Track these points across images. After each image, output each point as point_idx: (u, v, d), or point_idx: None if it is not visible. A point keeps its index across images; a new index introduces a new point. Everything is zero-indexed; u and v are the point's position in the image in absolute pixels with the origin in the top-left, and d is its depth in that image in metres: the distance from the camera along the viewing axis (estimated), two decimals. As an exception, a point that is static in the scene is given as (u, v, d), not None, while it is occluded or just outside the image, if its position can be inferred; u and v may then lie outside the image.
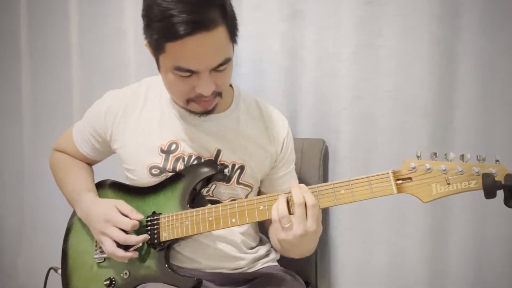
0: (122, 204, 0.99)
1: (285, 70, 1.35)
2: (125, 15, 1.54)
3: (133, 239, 0.95)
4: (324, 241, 1.35)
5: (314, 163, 1.29)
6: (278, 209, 0.85)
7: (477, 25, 1.14)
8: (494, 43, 1.14)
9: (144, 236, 0.96)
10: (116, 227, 0.95)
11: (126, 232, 0.95)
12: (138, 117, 1.05)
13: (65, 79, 1.70)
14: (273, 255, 1.18)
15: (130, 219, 0.96)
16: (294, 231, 0.83)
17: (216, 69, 0.88)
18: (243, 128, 1.05)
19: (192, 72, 0.87)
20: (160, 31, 0.84)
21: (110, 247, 0.95)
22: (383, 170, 0.85)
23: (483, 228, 1.20)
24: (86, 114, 1.12)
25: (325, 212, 1.34)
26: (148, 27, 0.87)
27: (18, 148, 1.85)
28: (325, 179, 1.33)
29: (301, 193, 0.84)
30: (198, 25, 0.82)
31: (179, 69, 0.87)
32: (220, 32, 0.85)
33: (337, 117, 1.30)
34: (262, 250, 1.15)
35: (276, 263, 1.17)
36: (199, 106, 0.95)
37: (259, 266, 1.12)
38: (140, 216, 0.98)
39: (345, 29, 1.26)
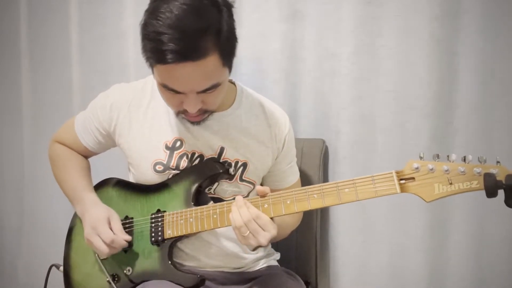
0: (114, 219, 1.01)
1: (285, 70, 1.35)
2: (125, 15, 1.54)
3: (113, 251, 0.98)
4: (324, 241, 1.35)
5: (314, 163, 1.29)
6: (233, 219, 0.88)
7: (477, 25, 1.14)
8: (494, 43, 1.14)
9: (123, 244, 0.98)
10: (99, 237, 0.97)
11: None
12: (145, 113, 1.05)
13: (65, 79, 1.70)
14: (274, 255, 1.18)
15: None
16: (258, 241, 0.87)
17: (204, 92, 0.89)
18: (245, 125, 1.06)
19: (178, 92, 0.88)
20: (150, 50, 0.85)
21: (99, 253, 0.99)
22: (383, 170, 0.85)
23: (483, 228, 1.20)
24: (90, 106, 1.12)
25: (325, 212, 1.34)
26: (143, 40, 0.88)
27: (18, 148, 1.85)
28: (325, 179, 1.33)
29: (238, 213, 0.87)
30: (185, 56, 0.81)
31: (165, 86, 0.89)
32: (210, 61, 0.84)
33: (337, 117, 1.30)
34: (262, 250, 1.15)
35: (276, 263, 1.17)
36: (189, 118, 0.97)
37: (259, 266, 1.12)
38: (128, 237, 0.99)
39: (345, 29, 1.26)
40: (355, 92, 1.27)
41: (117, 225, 0.99)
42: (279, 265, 1.17)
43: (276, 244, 1.24)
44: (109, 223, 0.99)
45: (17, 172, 1.87)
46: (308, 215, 1.24)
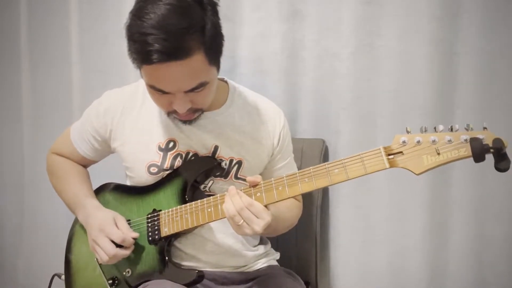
0: (120, 220, 1.01)
1: (285, 70, 1.35)
2: (125, 15, 1.53)
3: (122, 253, 0.97)
4: (324, 241, 1.35)
5: (314, 163, 1.27)
6: (226, 209, 0.87)
7: (477, 25, 1.14)
8: (494, 43, 1.14)
9: (130, 250, 0.98)
10: (108, 238, 0.96)
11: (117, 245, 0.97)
12: (137, 116, 1.06)
13: (65, 79, 1.69)
14: (274, 255, 1.18)
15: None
16: (253, 229, 0.85)
17: (191, 91, 0.89)
18: (239, 123, 1.06)
19: (165, 92, 0.89)
20: (135, 52, 0.86)
21: (103, 257, 0.96)
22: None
23: (483, 228, 1.20)
24: (84, 114, 1.13)
25: (325, 212, 1.34)
26: (128, 41, 0.88)
27: (18, 148, 1.85)
28: (325, 179, 1.33)
29: (231, 202, 0.86)
30: (170, 56, 0.82)
31: (153, 87, 0.90)
32: (195, 60, 0.85)
33: (337, 117, 1.30)
34: (262, 248, 1.15)
35: (276, 263, 1.17)
36: (180, 117, 0.97)
37: (259, 265, 1.12)
38: (135, 234, 0.99)
39: (345, 29, 1.26)
40: (355, 92, 1.27)
41: (124, 224, 1.00)
42: (278, 265, 1.17)
43: (276, 244, 1.24)
44: (115, 224, 0.99)
45: (17, 172, 1.87)
46: (308, 215, 1.24)
